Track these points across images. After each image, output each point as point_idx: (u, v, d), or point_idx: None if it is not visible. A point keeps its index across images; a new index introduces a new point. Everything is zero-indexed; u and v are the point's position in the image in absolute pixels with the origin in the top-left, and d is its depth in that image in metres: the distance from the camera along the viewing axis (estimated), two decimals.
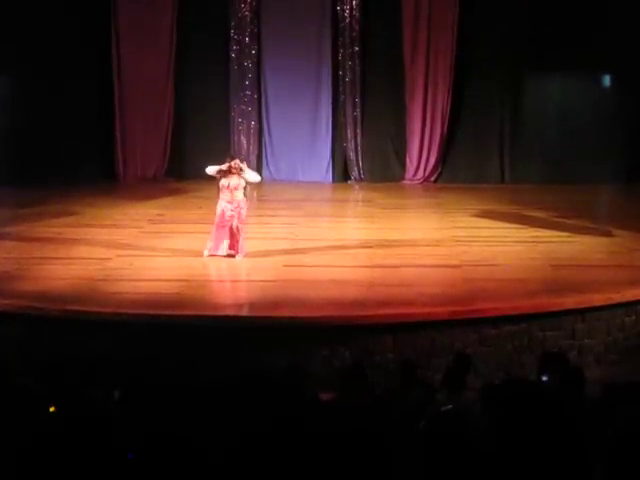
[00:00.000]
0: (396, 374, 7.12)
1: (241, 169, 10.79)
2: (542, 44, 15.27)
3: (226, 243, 10.84)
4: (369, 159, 16.48)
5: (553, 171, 15.98)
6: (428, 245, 11.80)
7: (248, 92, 16.23)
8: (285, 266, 10.73)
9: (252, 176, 11.00)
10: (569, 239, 12.08)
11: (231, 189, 10.75)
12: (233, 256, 10.82)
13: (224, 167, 10.78)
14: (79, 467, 4.38)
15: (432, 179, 16.40)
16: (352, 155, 16.38)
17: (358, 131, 16.31)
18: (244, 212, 10.87)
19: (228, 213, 10.76)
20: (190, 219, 13.24)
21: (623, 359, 9.76)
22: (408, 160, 16.39)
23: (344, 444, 4.50)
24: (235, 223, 10.80)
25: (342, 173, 16.50)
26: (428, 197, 15.47)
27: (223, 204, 10.79)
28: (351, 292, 9.94)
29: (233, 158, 11.00)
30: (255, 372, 6.10)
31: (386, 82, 16.14)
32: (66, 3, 15.43)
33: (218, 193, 10.87)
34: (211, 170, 10.89)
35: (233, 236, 10.84)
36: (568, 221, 13.00)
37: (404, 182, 16.40)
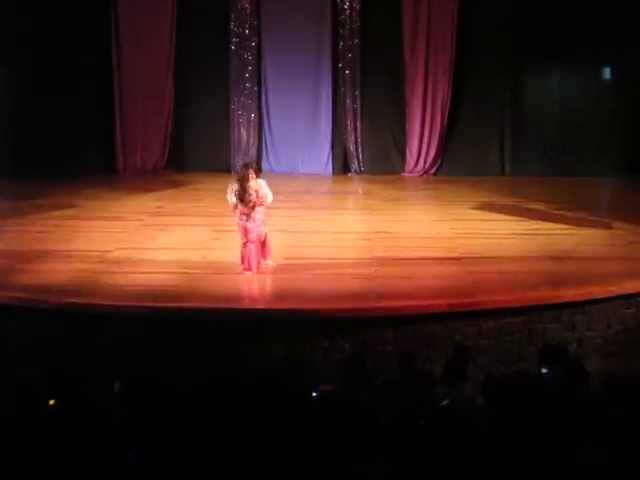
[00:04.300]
0: (396, 366, 7.12)
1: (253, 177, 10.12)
2: (542, 37, 15.23)
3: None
4: (369, 151, 16.43)
5: (553, 163, 15.96)
6: (428, 238, 11.79)
7: (248, 84, 16.19)
8: (285, 258, 10.71)
9: (269, 195, 10.25)
10: (569, 231, 12.08)
11: (253, 203, 10.10)
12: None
13: (237, 185, 10.02)
14: (79, 463, 4.38)
15: (432, 171, 16.35)
16: (352, 147, 16.33)
17: (358, 123, 16.26)
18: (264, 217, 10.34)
19: (256, 231, 10.13)
20: (190, 211, 13.23)
21: (623, 351, 9.76)
22: (408, 152, 16.34)
23: (343, 435, 4.50)
24: (264, 231, 10.33)
25: (342, 165, 16.47)
26: (428, 190, 15.44)
27: (244, 221, 10.15)
28: (351, 284, 9.94)
29: (248, 167, 10.38)
30: (254, 365, 6.10)
31: (386, 75, 16.08)
32: None
33: (234, 210, 10.23)
34: (230, 197, 10.14)
35: (263, 245, 10.38)
36: (568, 213, 12.99)
37: (404, 174, 16.36)
